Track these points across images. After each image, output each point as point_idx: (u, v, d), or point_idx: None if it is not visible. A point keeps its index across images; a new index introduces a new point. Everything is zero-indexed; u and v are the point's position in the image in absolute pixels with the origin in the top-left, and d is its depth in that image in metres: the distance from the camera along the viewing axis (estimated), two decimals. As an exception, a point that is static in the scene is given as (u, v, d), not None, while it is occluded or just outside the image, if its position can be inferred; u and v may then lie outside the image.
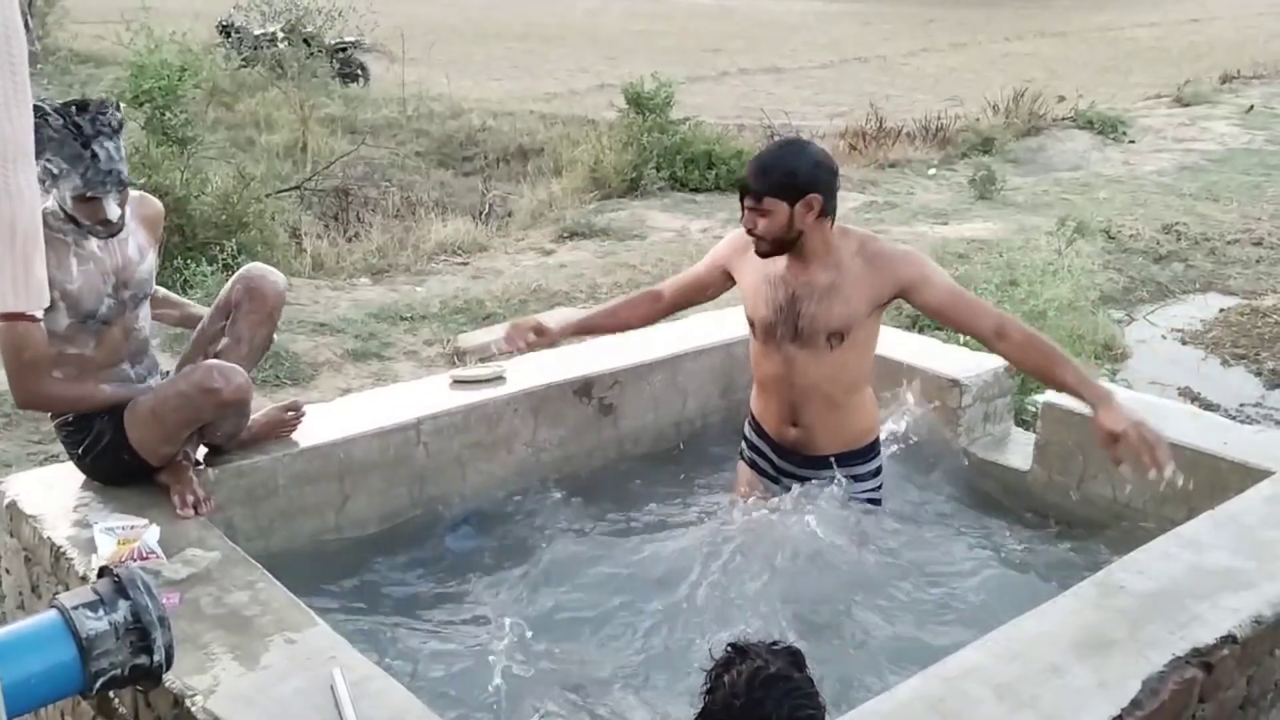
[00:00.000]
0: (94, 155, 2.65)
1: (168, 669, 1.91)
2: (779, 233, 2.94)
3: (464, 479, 3.44)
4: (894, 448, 3.56)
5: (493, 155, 13.35)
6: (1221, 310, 7.42)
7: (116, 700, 2.40)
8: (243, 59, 14.84)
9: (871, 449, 3.23)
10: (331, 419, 3.32)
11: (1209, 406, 5.65)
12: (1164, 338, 7.06)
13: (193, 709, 2.12)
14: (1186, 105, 15.40)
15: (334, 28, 16.12)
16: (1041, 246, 7.02)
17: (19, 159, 1.87)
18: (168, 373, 3.05)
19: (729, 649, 1.74)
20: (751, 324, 3.18)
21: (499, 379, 3.60)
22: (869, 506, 3.20)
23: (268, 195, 8.33)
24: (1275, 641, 2.50)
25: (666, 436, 3.90)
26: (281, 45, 15.08)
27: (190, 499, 2.81)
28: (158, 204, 3.09)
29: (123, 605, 1.86)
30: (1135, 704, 2.16)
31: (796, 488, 3.16)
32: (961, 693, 2.18)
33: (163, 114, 7.58)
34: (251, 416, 3.08)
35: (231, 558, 2.63)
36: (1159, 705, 2.19)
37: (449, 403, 3.45)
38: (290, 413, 3.20)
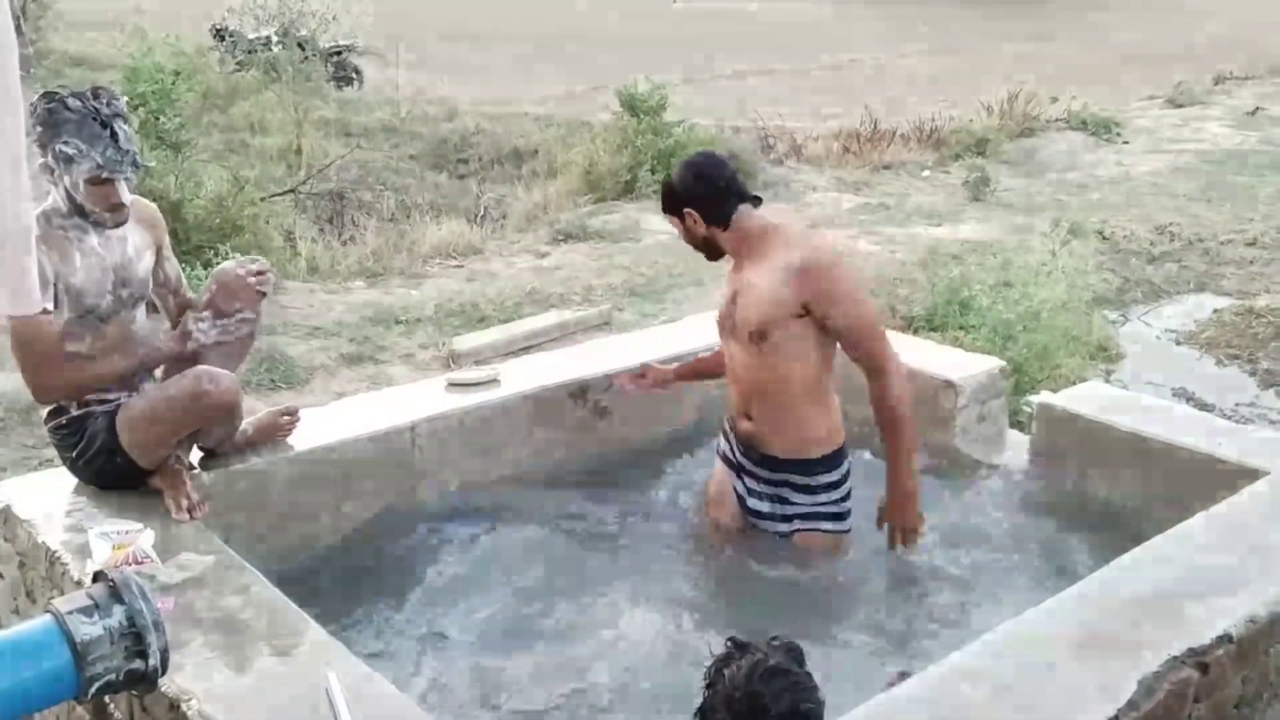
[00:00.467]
0: (113, 134, 2.70)
1: (163, 673, 1.90)
2: (690, 241, 3.16)
3: (459, 482, 3.43)
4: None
5: (487, 158, 13.35)
6: (1215, 311, 7.43)
7: (112, 705, 2.40)
8: (237, 63, 14.83)
9: (827, 462, 3.15)
10: (326, 422, 3.32)
11: (1204, 407, 5.66)
12: (1158, 338, 7.07)
13: (188, 713, 2.12)
14: (1179, 106, 15.43)
15: (328, 31, 16.12)
16: (1035, 248, 7.04)
17: (10, 164, 1.87)
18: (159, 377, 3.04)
19: (728, 643, 1.75)
20: None
21: (494, 382, 3.60)
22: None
23: (262, 199, 8.32)
24: (1271, 641, 2.51)
25: (661, 439, 3.89)
26: (276, 49, 15.07)
27: (185, 503, 2.81)
28: (154, 207, 3.10)
29: (118, 610, 1.85)
30: (1132, 704, 2.17)
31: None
32: (958, 693, 2.18)
33: (157, 117, 7.56)
34: (246, 420, 3.08)
35: (226, 562, 2.62)
36: (1155, 705, 2.20)
37: (444, 406, 3.44)
38: (285, 417, 3.20)
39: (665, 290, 7.25)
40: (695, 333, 4.10)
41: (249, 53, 15.03)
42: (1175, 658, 2.29)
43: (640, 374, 3.62)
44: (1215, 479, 3.13)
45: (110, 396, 2.86)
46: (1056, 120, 13.35)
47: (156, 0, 14.22)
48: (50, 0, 16.46)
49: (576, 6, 28.71)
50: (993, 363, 3.92)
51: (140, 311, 2.98)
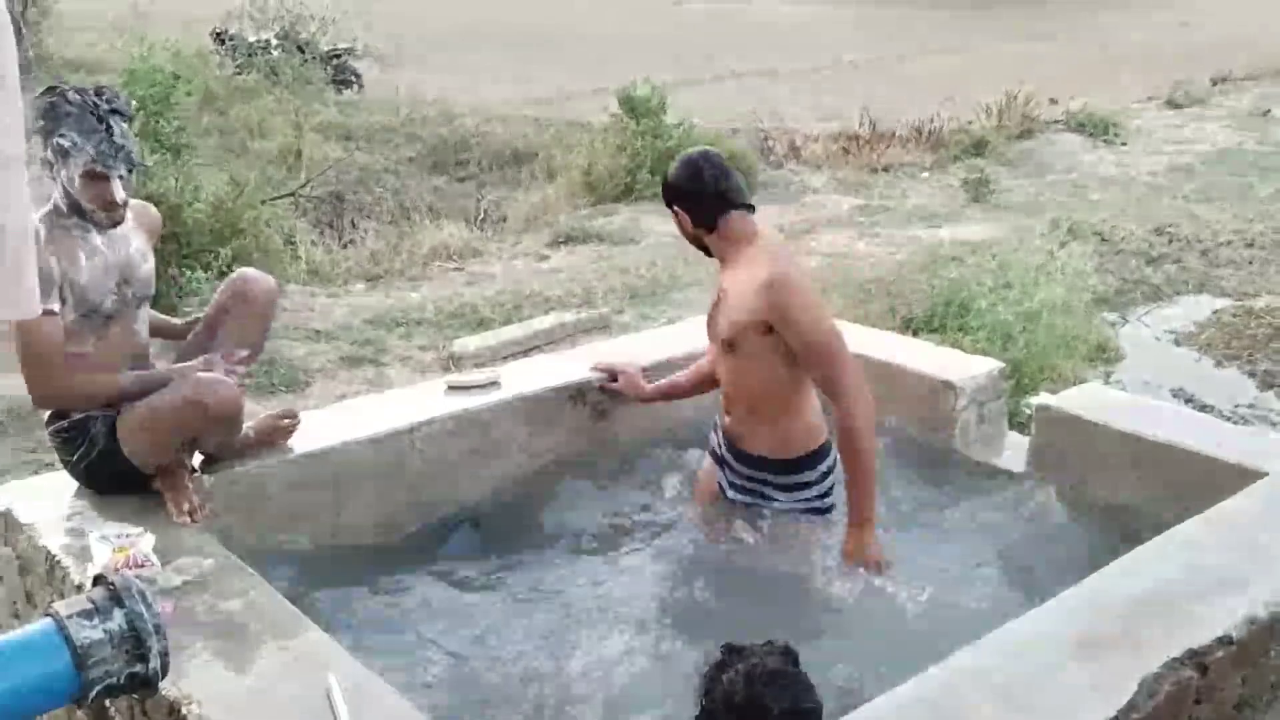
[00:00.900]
0: (109, 129, 2.73)
1: (163, 677, 1.90)
2: (684, 235, 3.23)
3: (459, 485, 3.43)
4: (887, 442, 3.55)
5: (486, 160, 13.34)
6: (1215, 311, 7.42)
7: (112, 709, 2.40)
8: (237, 66, 14.83)
9: (807, 461, 3.17)
10: (327, 425, 3.32)
11: (1203, 408, 5.66)
12: (1157, 339, 7.07)
13: (189, 717, 2.12)
14: (1178, 107, 15.43)
15: (327, 35, 16.13)
16: (1035, 248, 7.03)
17: (9, 166, 1.87)
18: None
19: (723, 649, 1.76)
20: None
21: (494, 385, 3.60)
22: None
23: (262, 202, 8.32)
24: (1270, 642, 2.51)
25: (661, 441, 3.89)
26: (275, 53, 15.08)
27: (186, 506, 2.82)
28: (157, 213, 3.12)
29: (118, 613, 1.85)
30: (1131, 706, 2.17)
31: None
32: (958, 695, 2.18)
33: (156, 121, 7.57)
34: (247, 424, 3.08)
35: (227, 565, 2.63)
36: (1155, 707, 2.19)
37: (444, 409, 3.44)
38: (286, 420, 3.20)
39: (665, 292, 7.26)
40: (695, 335, 4.10)
41: (249, 55, 15.05)
42: (1175, 658, 2.29)
43: (612, 378, 3.67)
44: (1215, 480, 3.13)
45: (111, 399, 2.86)
46: (1056, 121, 13.36)
47: (157, 2, 14.19)
48: (50, 3, 16.48)
49: (576, 6, 28.70)
50: (992, 364, 3.93)
51: (144, 313, 2.99)
